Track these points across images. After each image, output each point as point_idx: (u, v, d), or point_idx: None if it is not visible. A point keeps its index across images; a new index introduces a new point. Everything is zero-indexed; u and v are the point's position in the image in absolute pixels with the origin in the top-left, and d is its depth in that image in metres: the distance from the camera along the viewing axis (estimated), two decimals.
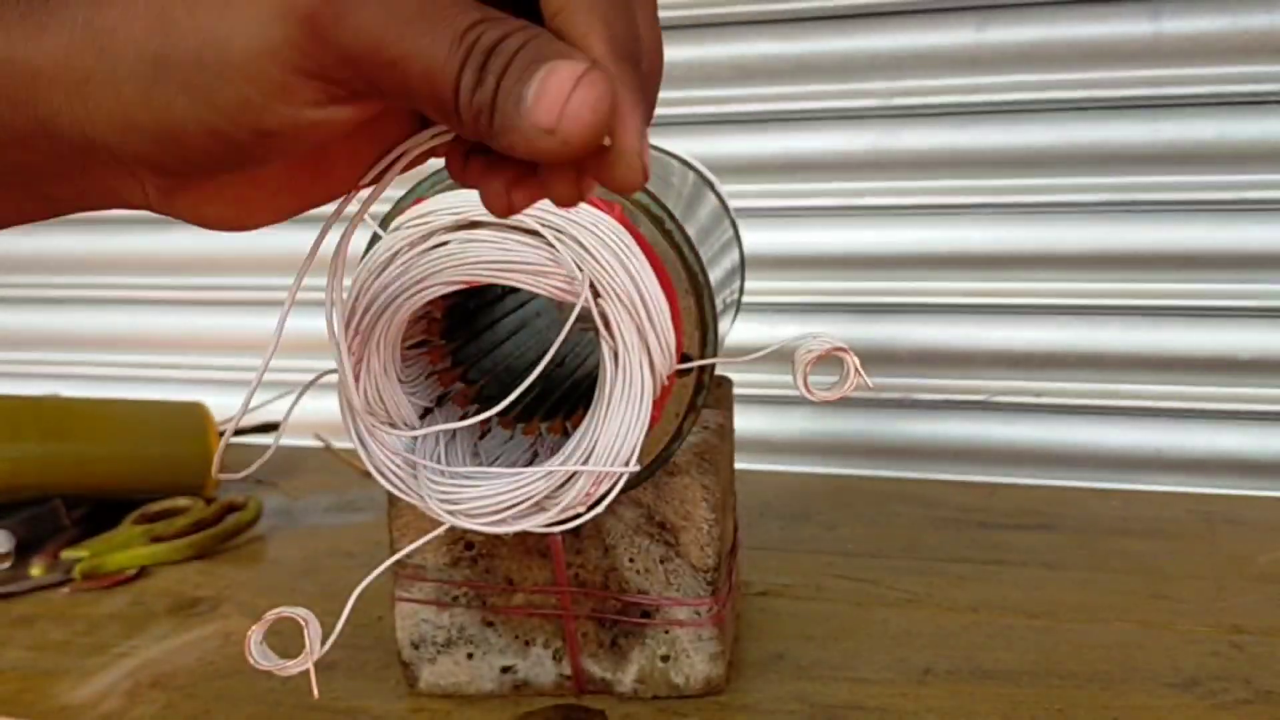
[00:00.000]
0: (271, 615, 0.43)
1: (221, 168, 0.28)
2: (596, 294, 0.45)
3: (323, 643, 0.43)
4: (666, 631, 0.56)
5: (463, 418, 0.53)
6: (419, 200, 0.47)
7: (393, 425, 0.48)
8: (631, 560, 0.55)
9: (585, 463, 0.46)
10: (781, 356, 0.49)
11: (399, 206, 0.49)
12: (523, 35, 0.25)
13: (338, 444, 1.02)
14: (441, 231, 0.45)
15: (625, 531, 0.55)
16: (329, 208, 0.33)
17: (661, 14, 0.30)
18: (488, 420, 0.53)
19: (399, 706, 0.58)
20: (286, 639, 0.44)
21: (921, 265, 0.93)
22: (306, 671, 0.42)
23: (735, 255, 0.70)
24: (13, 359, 1.20)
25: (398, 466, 0.47)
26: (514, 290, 0.57)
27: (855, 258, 0.95)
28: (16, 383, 1.17)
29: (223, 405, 0.94)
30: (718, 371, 0.58)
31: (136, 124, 0.27)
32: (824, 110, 0.93)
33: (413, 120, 0.31)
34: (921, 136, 0.92)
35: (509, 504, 0.46)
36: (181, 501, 0.85)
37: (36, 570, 0.76)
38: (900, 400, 0.95)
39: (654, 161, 0.60)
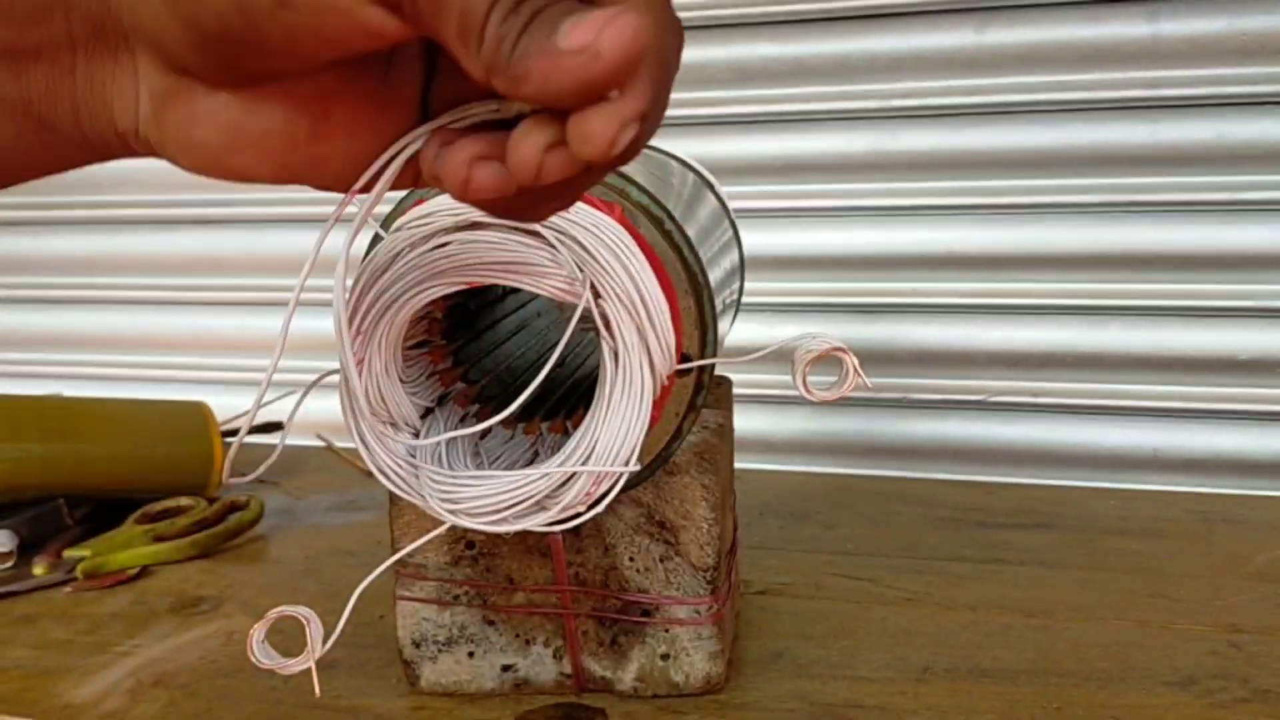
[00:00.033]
0: (273, 614, 0.43)
1: (232, 55, 0.27)
2: (597, 294, 0.45)
3: (324, 641, 0.43)
4: (666, 630, 0.56)
5: (464, 418, 0.53)
6: (420, 201, 0.47)
7: (394, 425, 0.48)
8: (631, 559, 0.55)
9: (585, 462, 0.46)
10: (781, 356, 0.49)
11: (400, 207, 0.49)
12: None
13: (339, 443, 1.03)
14: (443, 232, 0.45)
15: (625, 531, 0.55)
16: (329, 208, 0.33)
17: None
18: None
19: (400, 705, 0.58)
20: (288, 638, 0.44)
21: (920, 266, 0.94)
22: (308, 670, 0.43)
23: (735, 256, 0.70)
24: (15, 359, 1.20)
25: (399, 466, 0.47)
26: (515, 290, 0.57)
27: (854, 258, 0.95)
28: (19, 383, 1.17)
29: (224, 405, 0.94)
30: (718, 371, 0.58)
31: None
32: (823, 111, 0.94)
33: (412, 111, 0.31)
34: (920, 138, 0.92)
35: (510, 503, 0.47)
36: (184, 501, 0.86)
37: (39, 569, 0.76)
38: (899, 400, 0.96)
39: (654, 162, 0.60)
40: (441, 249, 0.45)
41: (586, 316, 0.46)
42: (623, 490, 0.48)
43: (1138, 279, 0.89)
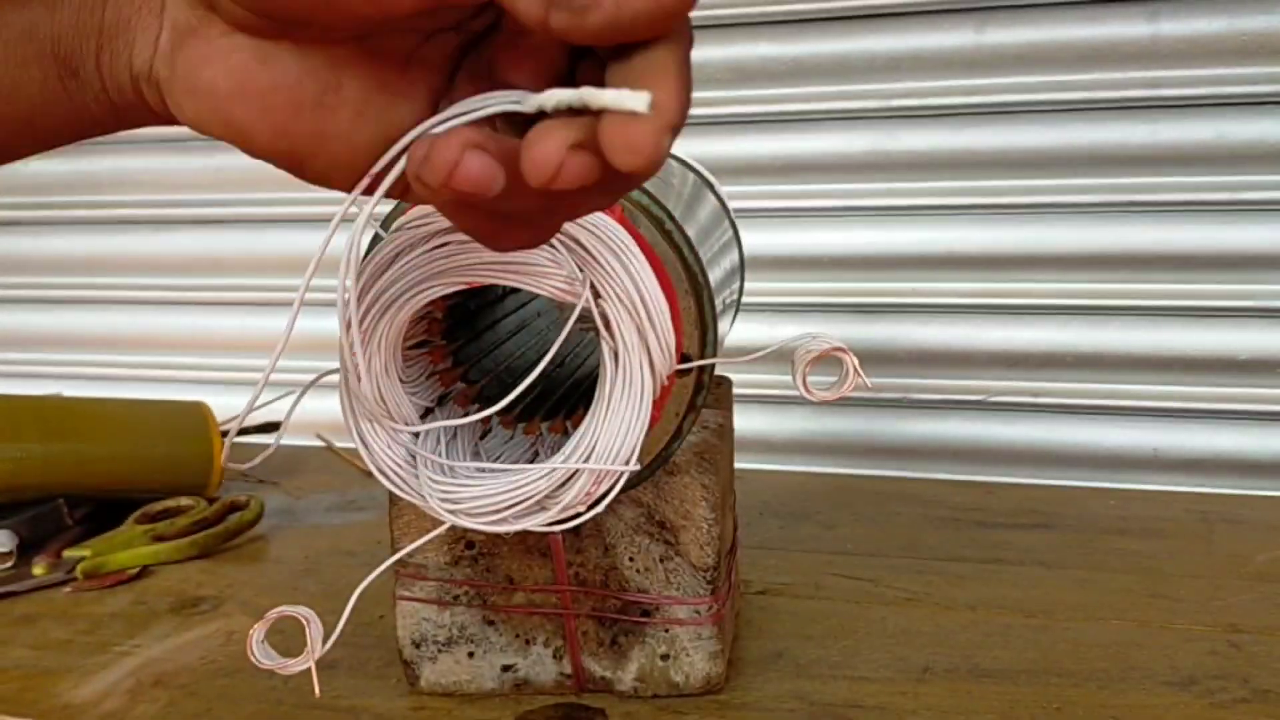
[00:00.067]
0: (273, 614, 0.43)
1: None
2: (597, 294, 0.45)
3: (324, 641, 0.43)
4: (666, 630, 0.56)
5: (463, 417, 0.53)
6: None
7: (394, 425, 0.48)
8: (631, 559, 0.55)
9: (586, 462, 0.46)
10: (781, 356, 0.49)
11: (401, 207, 0.49)
12: None
13: (339, 444, 1.03)
14: (443, 232, 0.45)
15: (625, 530, 0.55)
16: (328, 208, 0.33)
17: None
18: (488, 419, 0.53)
19: (400, 705, 0.58)
20: (288, 638, 0.44)
21: (920, 266, 0.94)
22: (308, 670, 0.43)
23: (735, 256, 0.70)
24: (15, 359, 1.20)
25: (399, 466, 0.47)
26: (515, 290, 0.57)
27: (854, 258, 0.95)
28: (19, 383, 1.17)
29: (224, 405, 0.94)
30: (718, 371, 0.58)
31: None
32: (823, 111, 0.94)
33: (425, 110, 0.30)
34: (920, 138, 0.92)
35: (510, 503, 0.47)
36: (183, 501, 0.86)
37: (39, 569, 0.76)
38: (899, 400, 0.96)
39: None
40: (441, 249, 0.45)
41: (587, 316, 0.45)
42: (623, 490, 0.48)
43: (1138, 279, 0.89)
